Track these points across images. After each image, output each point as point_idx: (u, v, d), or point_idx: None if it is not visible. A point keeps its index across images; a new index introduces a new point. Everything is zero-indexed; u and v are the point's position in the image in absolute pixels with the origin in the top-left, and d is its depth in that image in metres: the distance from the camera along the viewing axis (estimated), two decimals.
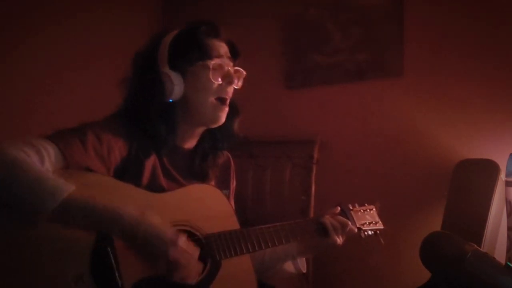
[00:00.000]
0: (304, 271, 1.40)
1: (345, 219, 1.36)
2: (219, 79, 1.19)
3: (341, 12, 2.32)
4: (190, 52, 1.18)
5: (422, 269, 1.57)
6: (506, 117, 1.90)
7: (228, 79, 1.21)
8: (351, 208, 1.44)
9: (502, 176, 1.76)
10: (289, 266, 1.38)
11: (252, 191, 2.44)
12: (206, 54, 1.18)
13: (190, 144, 1.26)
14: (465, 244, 1.45)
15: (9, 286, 0.93)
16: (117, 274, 0.98)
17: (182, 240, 0.99)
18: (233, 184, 1.39)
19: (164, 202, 1.13)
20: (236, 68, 1.24)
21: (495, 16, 1.95)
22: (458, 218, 1.81)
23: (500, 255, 1.71)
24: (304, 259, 1.39)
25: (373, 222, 1.46)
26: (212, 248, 1.13)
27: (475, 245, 1.46)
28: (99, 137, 1.08)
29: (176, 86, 1.15)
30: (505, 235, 1.69)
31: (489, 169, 1.82)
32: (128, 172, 1.12)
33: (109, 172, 1.10)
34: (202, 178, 1.27)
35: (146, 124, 1.16)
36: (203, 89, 1.19)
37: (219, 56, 1.20)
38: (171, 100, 1.17)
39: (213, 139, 1.29)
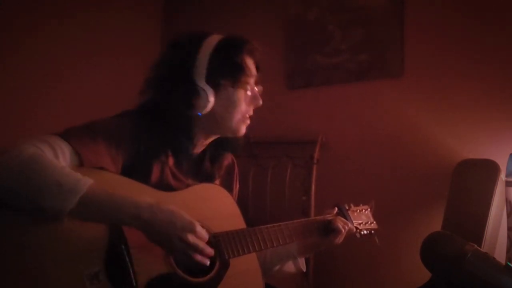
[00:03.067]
0: (304, 270, 1.43)
1: (345, 220, 1.40)
2: (249, 101, 1.23)
3: (342, 12, 2.32)
4: (230, 72, 1.18)
5: (422, 269, 1.57)
6: (506, 117, 1.90)
7: (256, 101, 1.25)
8: (347, 208, 1.48)
9: (502, 176, 1.76)
10: (289, 266, 1.40)
11: (253, 191, 2.44)
12: (245, 75, 1.20)
13: (199, 149, 1.28)
14: (465, 244, 1.46)
15: (24, 287, 0.94)
16: (131, 272, 1.00)
17: (199, 226, 1.01)
18: (236, 187, 1.41)
19: (173, 200, 1.14)
20: (259, 86, 1.27)
21: (495, 16, 1.95)
22: (458, 218, 1.81)
23: (500, 255, 1.71)
24: (303, 258, 1.42)
25: (368, 222, 1.51)
26: (220, 246, 1.15)
27: (475, 245, 1.46)
28: (109, 135, 1.09)
29: (210, 104, 1.16)
30: (505, 235, 1.70)
31: (489, 169, 1.82)
32: (135, 171, 1.13)
33: (117, 170, 1.10)
34: (208, 179, 1.30)
35: (167, 132, 1.16)
36: (233, 107, 1.20)
37: (253, 76, 1.23)
38: (200, 114, 1.17)
39: (221, 146, 1.31)
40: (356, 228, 1.45)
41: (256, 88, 1.25)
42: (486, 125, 1.96)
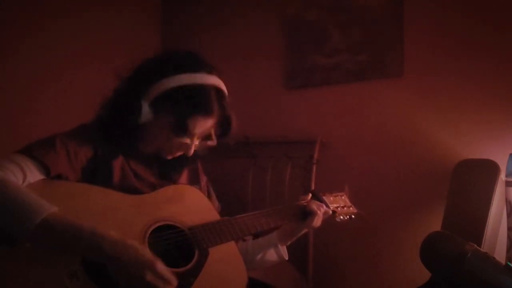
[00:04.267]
0: (286, 258, 1.45)
1: (319, 202, 1.44)
2: (177, 146, 1.23)
3: (341, 12, 2.32)
4: (172, 121, 1.18)
5: (422, 269, 1.57)
6: (506, 117, 1.90)
7: (183, 149, 1.24)
8: (322, 194, 1.51)
9: (502, 176, 1.76)
10: (271, 255, 1.42)
11: (252, 191, 2.44)
12: (182, 134, 1.20)
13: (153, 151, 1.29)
14: (465, 244, 1.46)
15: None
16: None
17: (159, 265, 1.00)
18: (203, 180, 1.44)
19: (146, 202, 1.18)
20: (204, 141, 1.26)
21: (495, 16, 1.95)
22: (458, 218, 1.81)
23: (500, 255, 1.71)
24: (285, 247, 1.44)
25: (346, 206, 1.54)
26: (197, 238, 1.18)
27: (475, 245, 1.46)
28: (66, 144, 1.13)
29: (144, 120, 1.18)
30: (505, 235, 1.70)
31: (489, 169, 1.82)
32: (96, 174, 1.16)
33: (77, 176, 1.14)
34: (169, 175, 1.32)
35: (117, 137, 1.20)
36: (160, 140, 1.22)
37: (192, 136, 1.21)
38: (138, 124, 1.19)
39: None
40: (334, 211, 1.48)
41: (189, 143, 1.22)
42: (486, 125, 1.95)
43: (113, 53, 2.57)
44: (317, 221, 1.40)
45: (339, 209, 1.50)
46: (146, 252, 1.01)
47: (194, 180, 1.39)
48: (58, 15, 2.39)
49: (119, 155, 1.21)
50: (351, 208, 1.55)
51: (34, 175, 1.06)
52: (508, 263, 1.43)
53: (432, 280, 1.65)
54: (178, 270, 1.11)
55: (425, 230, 1.67)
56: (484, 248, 1.68)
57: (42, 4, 2.34)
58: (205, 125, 1.21)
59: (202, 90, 1.19)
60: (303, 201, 1.45)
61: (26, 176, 1.04)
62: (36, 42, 2.29)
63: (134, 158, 1.25)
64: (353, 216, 1.53)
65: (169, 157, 1.26)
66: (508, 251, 1.67)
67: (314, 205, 1.41)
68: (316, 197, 1.47)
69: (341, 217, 1.50)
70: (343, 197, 1.57)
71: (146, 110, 1.17)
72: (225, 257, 1.22)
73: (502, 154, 1.79)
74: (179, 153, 1.26)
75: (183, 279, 1.08)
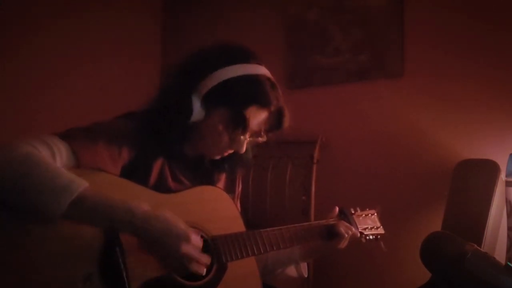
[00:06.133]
0: (306, 276, 1.42)
1: (349, 225, 1.38)
2: (229, 144, 1.18)
3: (342, 13, 2.32)
4: (227, 115, 1.14)
5: (422, 269, 1.57)
6: (506, 117, 1.90)
7: (236, 146, 1.19)
8: (353, 212, 1.45)
9: (502, 176, 1.76)
10: (291, 271, 1.40)
11: (253, 191, 2.44)
12: (240, 124, 1.14)
13: (198, 153, 1.26)
14: (465, 244, 1.46)
15: (18, 286, 0.94)
16: (124, 275, 0.98)
17: (194, 235, 1.00)
18: (239, 189, 1.40)
19: (172, 202, 1.13)
20: (260, 139, 1.21)
21: (495, 16, 1.95)
22: (458, 218, 1.81)
23: (500, 255, 1.71)
24: (305, 263, 1.42)
25: (374, 227, 1.48)
26: (218, 249, 1.13)
27: (475, 245, 1.46)
28: (110, 138, 1.08)
29: (195, 119, 1.14)
30: (505, 235, 1.69)
31: (489, 169, 1.82)
32: (135, 172, 1.12)
33: (117, 171, 1.10)
34: (207, 181, 1.28)
35: (163, 135, 1.14)
36: (213, 138, 1.18)
37: (248, 130, 1.17)
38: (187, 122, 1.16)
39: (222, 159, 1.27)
40: (361, 233, 1.42)
41: (243, 139, 1.17)
42: (486, 125, 1.96)
43: (114, 53, 2.57)
44: (343, 243, 1.36)
45: (367, 230, 1.45)
46: (179, 222, 0.99)
47: (230, 188, 1.34)
48: (58, 15, 2.39)
49: (161, 156, 1.17)
50: (378, 229, 1.49)
51: (63, 161, 1.00)
52: (508, 263, 1.43)
53: (432, 280, 1.65)
54: (193, 283, 1.09)
55: (425, 230, 1.67)
56: (484, 248, 1.68)
57: (42, 4, 2.34)
58: (260, 117, 1.17)
59: (258, 80, 1.15)
60: (331, 220, 1.39)
61: (55, 159, 0.99)
62: (36, 42, 2.30)
63: (177, 160, 1.20)
64: (379, 237, 1.48)
65: (218, 156, 1.22)
66: (508, 251, 1.67)
67: (342, 227, 1.35)
68: (345, 216, 1.42)
69: (368, 237, 1.45)
70: (373, 216, 1.50)
71: (197, 108, 1.13)
72: (242, 275, 1.18)
73: (502, 154, 1.78)
74: (229, 151, 1.21)
75: None
